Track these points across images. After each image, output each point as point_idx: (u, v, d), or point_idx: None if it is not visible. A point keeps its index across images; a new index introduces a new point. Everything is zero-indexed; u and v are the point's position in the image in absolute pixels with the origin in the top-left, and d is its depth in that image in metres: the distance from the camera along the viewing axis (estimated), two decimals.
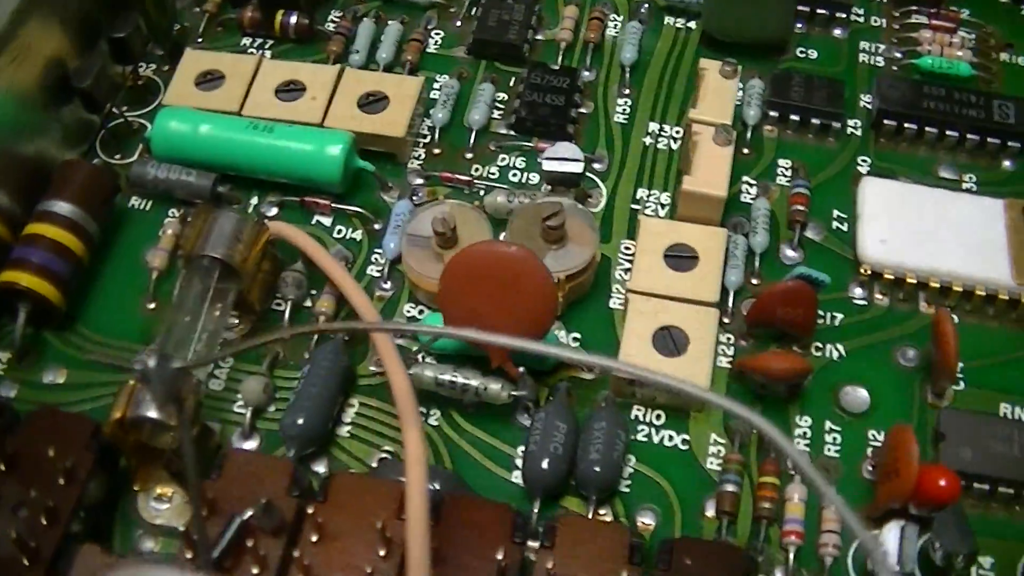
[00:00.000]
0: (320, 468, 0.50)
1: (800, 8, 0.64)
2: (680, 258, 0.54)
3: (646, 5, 0.65)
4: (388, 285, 0.55)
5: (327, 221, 0.57)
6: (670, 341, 0.52)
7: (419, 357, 0.52)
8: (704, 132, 0.56)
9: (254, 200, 0.58)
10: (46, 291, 0.53)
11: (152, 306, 0.55)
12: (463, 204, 0.56)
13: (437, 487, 0.48)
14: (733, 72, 0.59)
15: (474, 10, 0.65)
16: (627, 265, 0.56)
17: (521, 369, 0.51)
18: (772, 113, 0.61)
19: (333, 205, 0.57)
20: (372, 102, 0.59)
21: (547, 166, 0.56)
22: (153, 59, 0.63)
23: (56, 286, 0.53)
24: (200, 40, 0.64)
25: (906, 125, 0.60)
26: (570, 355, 0.52)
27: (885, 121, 0.60)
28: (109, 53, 0.61)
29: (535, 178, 0.59)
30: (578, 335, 0.54)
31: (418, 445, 0.44)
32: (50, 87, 0.57)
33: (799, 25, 0.65)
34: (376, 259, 0.56)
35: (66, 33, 0.58)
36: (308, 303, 0.55)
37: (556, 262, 0.53)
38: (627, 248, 0.56)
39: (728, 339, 0.54)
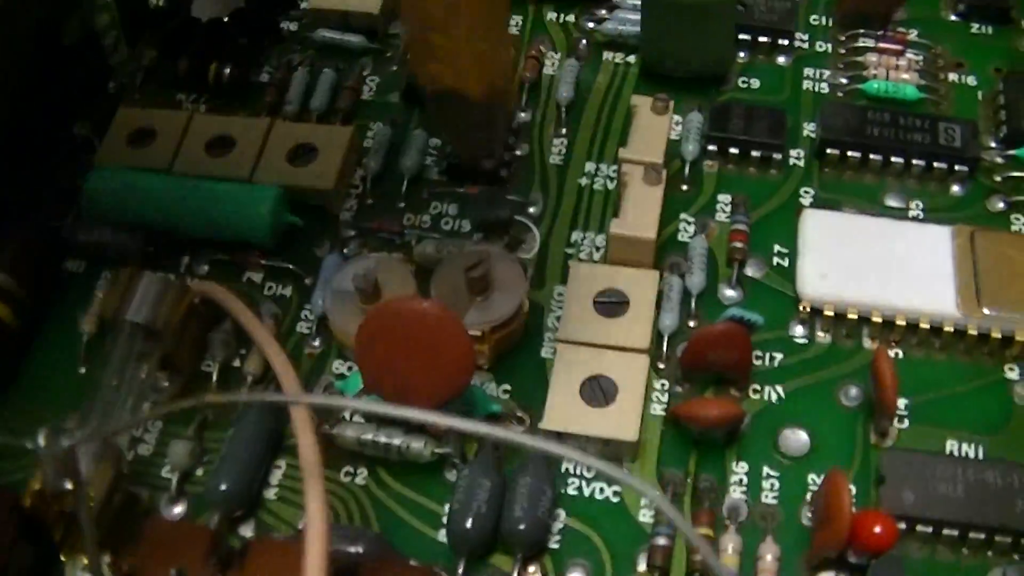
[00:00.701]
0: (247, 532, 0.50)
1: (742, 37, 0.63)
2: (610, 304, 0.53)
3: (584, 41, 0.64)
4: (317, 342, 0.54)
5: (258, 277, 0.57)
6: (599, 391, 0.51)
7: (346, 415, 0.52)
8: (634, 172, 0.55)
9: (185, 259, 0.57)
10: None
11: (83, 371, 0.54)
12: (388, 257, 0.55)
13: (360, 550, 0.47)
14: (665, 108, 0.58)
15: (408, 55, 0.64)
16: (559, 312, 0.54)
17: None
18: (711, 147, 0.59)
19: (263, 262, 0.57)
20: (302, 154, 0.58)
21: (473, 216, 0.55)
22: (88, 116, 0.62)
23: None
24: (136, 96, 0.63)
25: (850, 153, 0.58)
26: (473, 428, 0.50)
27: (828, 150, 0.59)
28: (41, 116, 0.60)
29: (467, 225, 0.58)
30: (508, 387, 0.53)
31: (319, 516, 0.43)
32: None
33: (741, 54, 0.63)
34: (306, 315, 0.55)
35: None
36: (237, 363, 0.54)
37: (481, 313, 0.52)
38: (560, 294, 0.55)
39: (663, 385, 0.53)
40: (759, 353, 0.53)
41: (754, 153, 0.59)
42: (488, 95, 0.51)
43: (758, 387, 0.53)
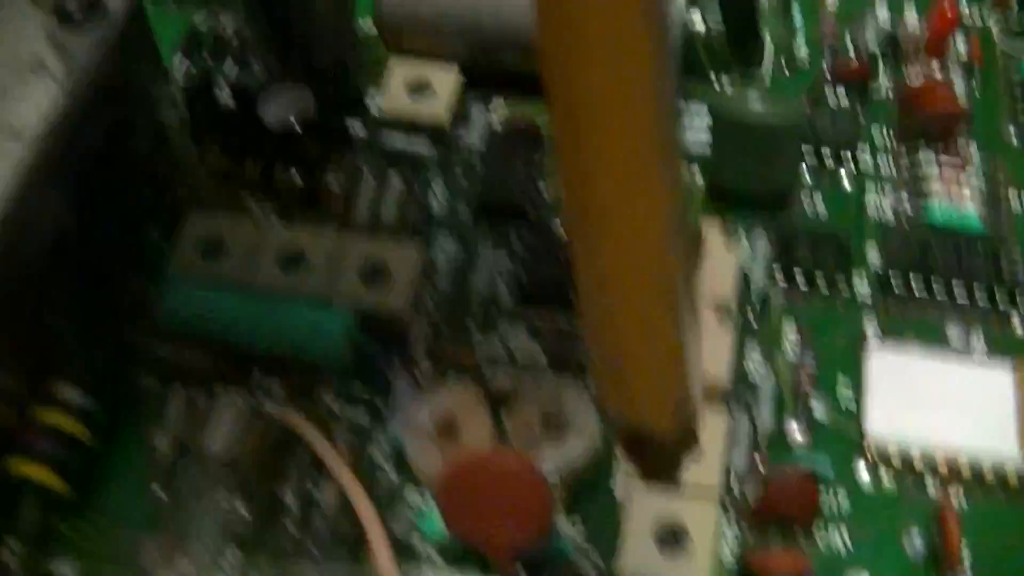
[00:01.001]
0: None
1: (806, 155, 0.64)
2: None
3: None
4: (393, 474, 0.55)
5: (331, 402, 0.57)
6: (671, 536, 0.52)
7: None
8: (703, 311, 0.56)
9: (257, 377, 0.58)
10: (53, 482, 0.53)
11: (159, 492, 0.55)
12: (462, 392, 0.55)
13: None
14: (734, 237, 0.58)
15: (478, 164, 0.64)
16: None
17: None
18: (777, 276, 0.60)
19: (337, 386, 0.57)
20: (374, 273, 0.58)
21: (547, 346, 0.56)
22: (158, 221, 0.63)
23: (63, 476, 0.53)
24: (203, 199, 0.63)
25: (913, 284, 0.59)
26: None
27: (892, 281, 0.59)
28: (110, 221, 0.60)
29: (543, 356, 0.58)
30: (581, 526, 0.54)
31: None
32: (51, 261, 0.57)
33: (805, 174, 0.64)
34: (381, 443, 0.56)
35: (68, 201, 0.57)
36: (316, 493, 0.55)
37: (556, 451, 0.53)
38: None
39: (730, 525, 0.54)
40: (824, 495, 0.54)
41: (819, 282, 0.59)
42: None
43: (823, 532, 0.53)
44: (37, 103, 0.54)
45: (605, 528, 0.54)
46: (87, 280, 0.59)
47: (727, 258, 0.58)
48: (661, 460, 0.49)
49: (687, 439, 0.47)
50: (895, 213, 0.63)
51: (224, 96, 0.65)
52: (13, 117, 0.53)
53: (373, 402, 0.57)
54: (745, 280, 0.60)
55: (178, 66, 0.68)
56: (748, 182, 0.62)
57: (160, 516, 0.54)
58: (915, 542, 0.53)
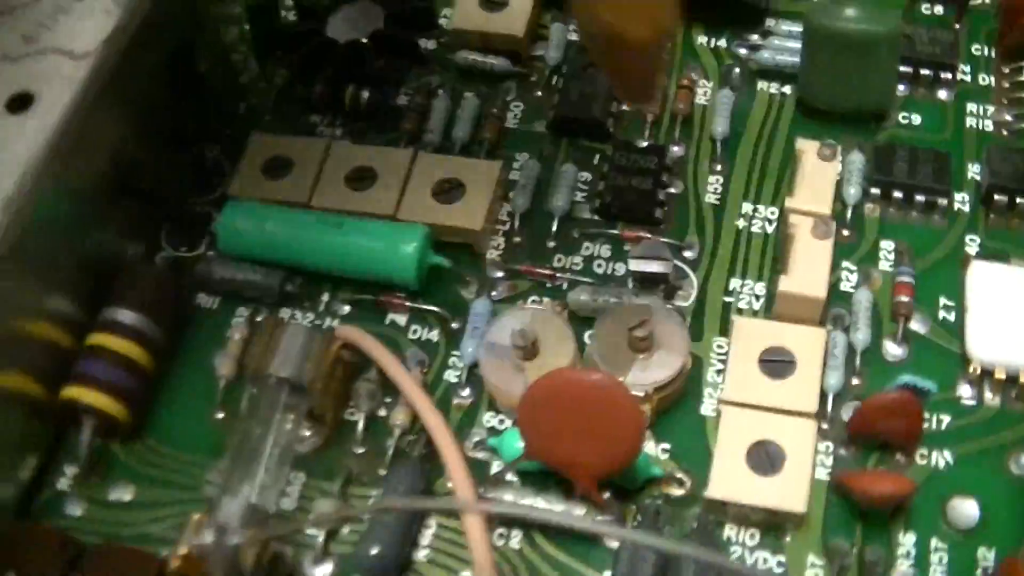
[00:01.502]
0: None
1: (902, 69, 0.60)
2: (776, 363, 0.51)
3: (737, 69, 0.62)
4: (467, 392, 0.52)
5: (402, 320, 0.55)
6: (765, 458, 0.49)
7: (505, 476, 0.50)
8: (801, 224, 0.53)
9: (325, 297, 0.55)
10: (111, 408, 0.51)
11: (221, 416, 0.53)
12: (543, 310, 0.53)
13: None
14: (832, 154, 0.55)
15: (555, 79, 0.61)
16: (719, 366, 0.52)
17: (607, 495, 0.48)
18: (874, 191, 0.57)
19: (408, 304, 0.55)
20: (448, 190, 0.56)
21: (634, 266, 0.53)
22: (218, 140, 0.60)
23: (122, 401, 0.51)
24: (268, 118, 0.61)
25: (1018, 200, 0.56)
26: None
27: (995, 196, 0.56)
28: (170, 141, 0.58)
29: (621, 268, 0.55)
30: (667, 446, 0.51)
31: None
32: (110, 183, 0.54)
33: (901, 87, 0.60)
34: (454, 363, 0.53)
35: (127, 123, 0.55)
36: (383, 412, 0.52)
37: (644, 372, 0.50)
38: (720, 347, 0.53)
39: (827, 447, 0.50)
40: (926, 415, 0.51)
41: (918, 198, 0.56)
42: (649, 38, 0.46)
43: (925, 452, 0.50)
44: (96, 24, 0.51)
45: (695, 450, 0.51)
46: (148, 200, 0.57)
47: (823, 172, 0.55)
48: (637, 70, 0.48)
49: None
50: (996, 125, 0.59)
51: (289, 14, 0.62)
52: (71, 40, 0.51)
53: (447, 321, 0.54)
54: (841, 197, 0.56)
55: None
56: (843, 97, 0.58)
57: (222, 442, 0.52)
58: (1022, 461, 0.50)
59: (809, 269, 0.52)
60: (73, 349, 0.52)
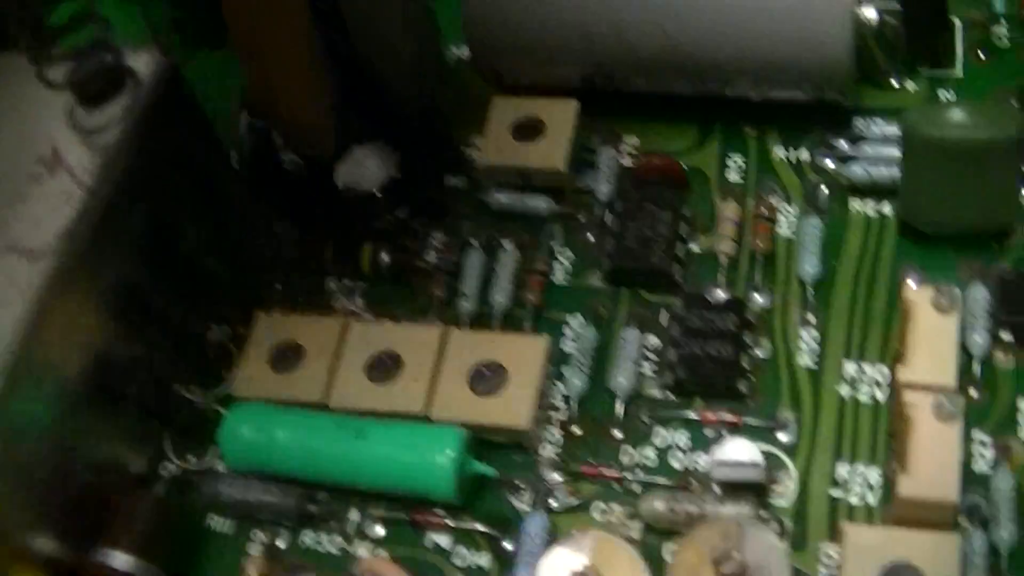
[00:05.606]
0: None
1: None
2: None
3: (823, 186, 0.51)
4: None
5: (445, 541, 0.46)
6: None
7: None
8: (920, 403, 0.43)
9: (354, 516, 0.47)
10: None
11: None
12: (610, 538, 0.43)
13: None
14: (951, 305, 0.45)
15: (606, 216, 0.52)
16: None
17: None
18: (1004, 335, 0.46)
19: (449, 523, 0.46)
20: (486, 377, 0.47)
21: (718, 474, 0.44)
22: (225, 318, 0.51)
23: None
24: (278, 287, 0.52)
25: None
26: None
27: None
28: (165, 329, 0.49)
29: (703, 459, 0.46)
30: None
31: None
32: (96, 386, 0.46)
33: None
34: None
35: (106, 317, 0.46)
36: None
37: None
38: (829, 556, 0.43)
39: None
40: None
41: None
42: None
43: None
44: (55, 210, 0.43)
45: None
46: (141, 403, 0.48)
47: (942, 330, 0.45)
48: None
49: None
50: None
51: (289, 159, 0.53)
52: (25, 235, 0.43)
53: (498, 541, 0.45)
54: (965, 346, 0.46)
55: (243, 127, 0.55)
56: (956, 216, 0.48)
57: None
58: None
59: (934, 463, 0.42)
60: None
